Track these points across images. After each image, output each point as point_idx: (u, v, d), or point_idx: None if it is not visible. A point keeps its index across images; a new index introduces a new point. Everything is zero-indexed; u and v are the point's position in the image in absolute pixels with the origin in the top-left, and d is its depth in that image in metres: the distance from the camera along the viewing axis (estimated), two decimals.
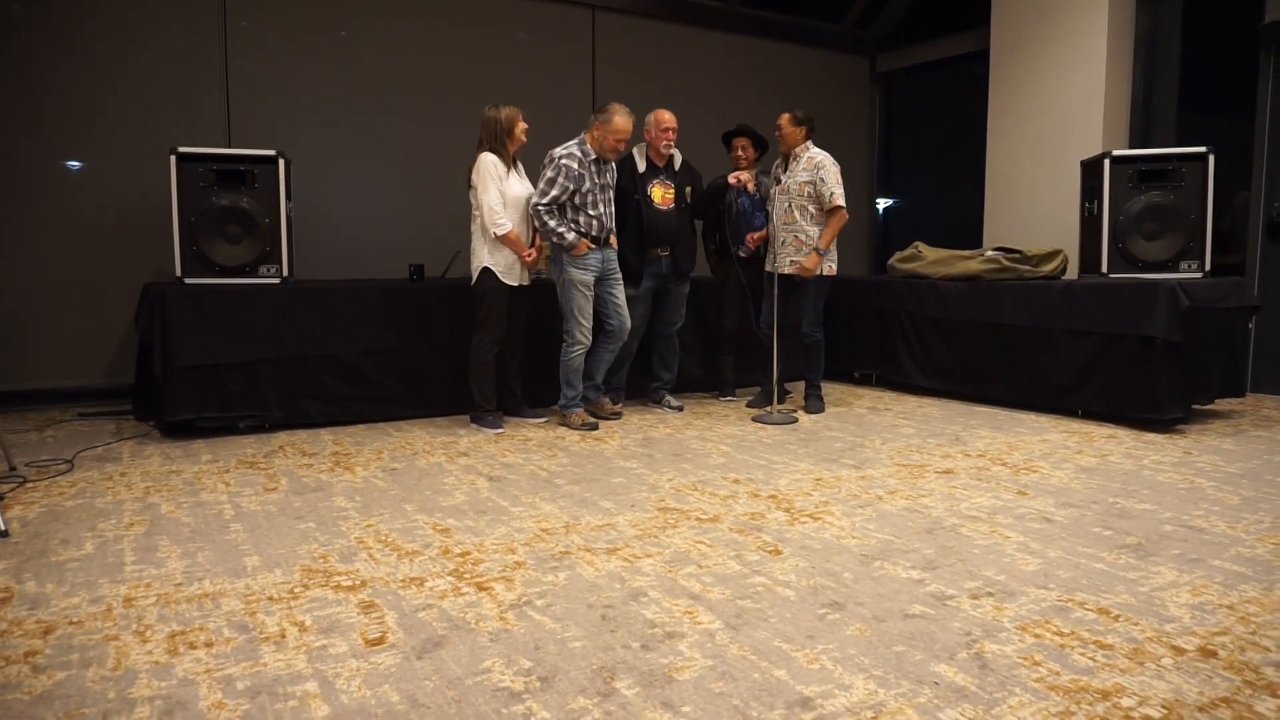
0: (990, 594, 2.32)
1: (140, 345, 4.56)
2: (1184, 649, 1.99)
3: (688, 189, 4.96)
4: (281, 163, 4.54)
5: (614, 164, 4.70)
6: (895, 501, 3.21)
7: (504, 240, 4.39)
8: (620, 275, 4.70)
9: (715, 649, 2.01)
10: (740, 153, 5.10)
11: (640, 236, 4.82)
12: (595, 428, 4.55)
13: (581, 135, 4.58)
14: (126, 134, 5.12)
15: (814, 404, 5.10)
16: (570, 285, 4.53)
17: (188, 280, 4.41)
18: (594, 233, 4.55)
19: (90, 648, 2.03)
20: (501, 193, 4.37)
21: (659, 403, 5.16)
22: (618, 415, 4.85)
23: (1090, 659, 1.94)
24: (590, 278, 4.56)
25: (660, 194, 4.87)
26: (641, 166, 4.87)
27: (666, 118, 4.81)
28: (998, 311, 5.14)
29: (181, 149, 4.41)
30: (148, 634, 2.10)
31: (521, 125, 4.43)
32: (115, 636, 2.09)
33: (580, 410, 4.65)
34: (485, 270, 4.43)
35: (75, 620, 2.18)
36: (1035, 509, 3.10)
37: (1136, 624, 2.13)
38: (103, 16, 5.04)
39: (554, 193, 4.43)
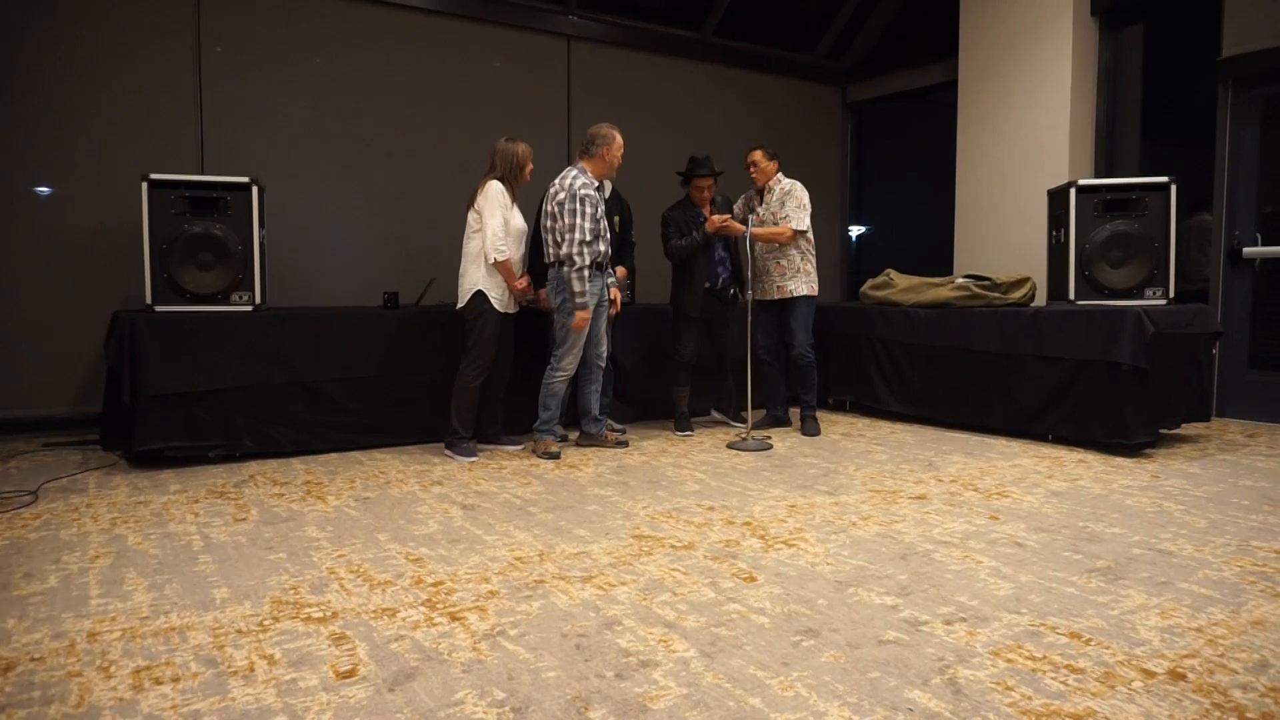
0: (963, 619, 2.33)
1: (109, 374, 4.50)
2: (1154, 672, 2.01)
3: (615, 218, 4.94)
4: (255, 189, 4.53)
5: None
6: (869, 527, 3.23)
7: (498, 267, 4.40)
8: (608, 304, 4.72)
9: (690, 677, 2.00)
10: (707, 193, 5.06)
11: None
12: (557, 456, 4.52)
13: (578, 165, 4.59)
14: (98, 160, 5.09)
15: (810, 426, 5.15)
16: (571, 314, 4.51)
17: (158, 308, 4.37)
18: (602, 259, 4.57)
19: (52, 685, 1.98)
20: (506, 220, 4.39)
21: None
22: (624, 443, 4.81)
23: (1062, 683, 1.96)
24: (591, 308, 4.53)
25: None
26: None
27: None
28: (969, 338, 5.21)
29: (154, 176, 4.39)
30: (112, 669, 2.06)
31: (530, 166, 4.52)
32: (78, 673, 2.04)
33: (549, 439, 4.62)
34: (479, 293, 4.43)
35: (37, 656, 2.13)
36: (1007, 534, 3.13)
37: (1107, 647, 2.15)
38: (75, 42, 5.02)
39: (589, 225, 4.40)
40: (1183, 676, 1.99)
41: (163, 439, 4.24)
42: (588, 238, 4.42)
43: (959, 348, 5.26)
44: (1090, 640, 2.19)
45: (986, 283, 5.36)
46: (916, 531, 3.17)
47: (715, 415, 5.51)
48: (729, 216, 5.04)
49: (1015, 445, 4.81)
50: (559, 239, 4.47)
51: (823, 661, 2.08)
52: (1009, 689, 1.93)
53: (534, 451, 4.59)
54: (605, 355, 4.74)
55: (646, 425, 5.47)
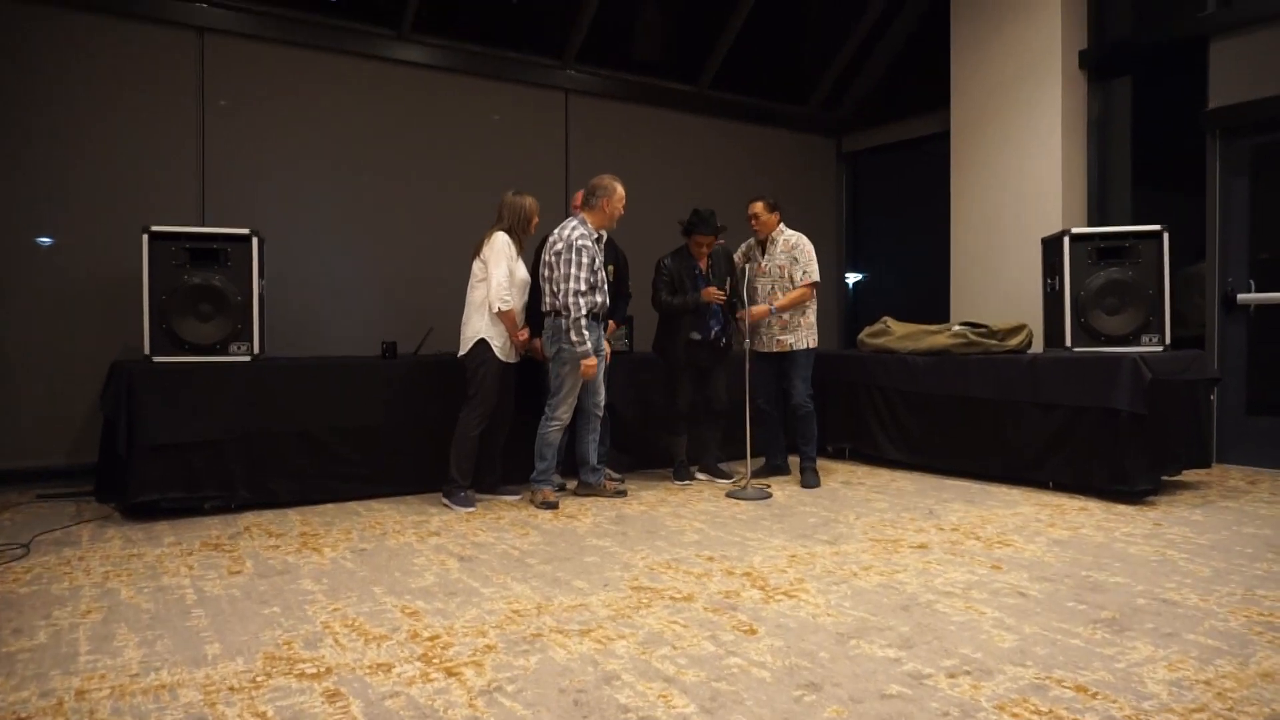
0: (968, 672, 2.30)
1: (105, 424, 4.48)
2: None
3: (610, 267, 4.92)
4: (255, 241, 4.56)
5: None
6: (870, 578, 3.19)
7: (502, 317, 4.43)
8: (605, 353, 4.73)
9: None
10: (705, 249, 5.04)
11: None
12: (555, 507, 4.49)
13: (578, 216, 4.64)
14: (99, 211, 5.13)
15: (810, 478, 5.10)
16: (566, 363, 4.52)
17: (156, 358, 4.37)
18: (598, 310, 4.59)
19: None
20: (511, 271, 4.43)
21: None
22: (623, 493, 4.77)
23: None
24: (594, 356, 4.53)
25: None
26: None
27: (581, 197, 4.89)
28: (966, 385, 5.21)
29: (154, 228, 4.42)
30: None
31: (536, 220, 4.60)
32: None
33: (547, 488, 4.59)
34: (481, 342, 4.45)
35: (23, 716, 2.09)
36: (1010, 583, 3.10)
37: (1114, 701, 2.11)
38: (79, 92, 5.10)
39: (584, 275, 4.43)
40: None
41: (158, 490, 4.21)
42: (583, 288, 4.44)
43: (957, 395, 5.26)
44: (1097, 694, 2.15)
45: (983, 330, 5.38)
46: (918, 581, 3.13)
47: (700, 477, 5.32)
48: (724, 293, 5.03)
49: (1016, 493, 4.78)
50: (555, 289, 4.50)
51: (825, 717, 2.04)
52: None
53: (531, 501, 4.56)
54: (603, 404, 4.73)
55: (644, 474, 5.43)
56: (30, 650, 2.52)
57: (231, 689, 2.24)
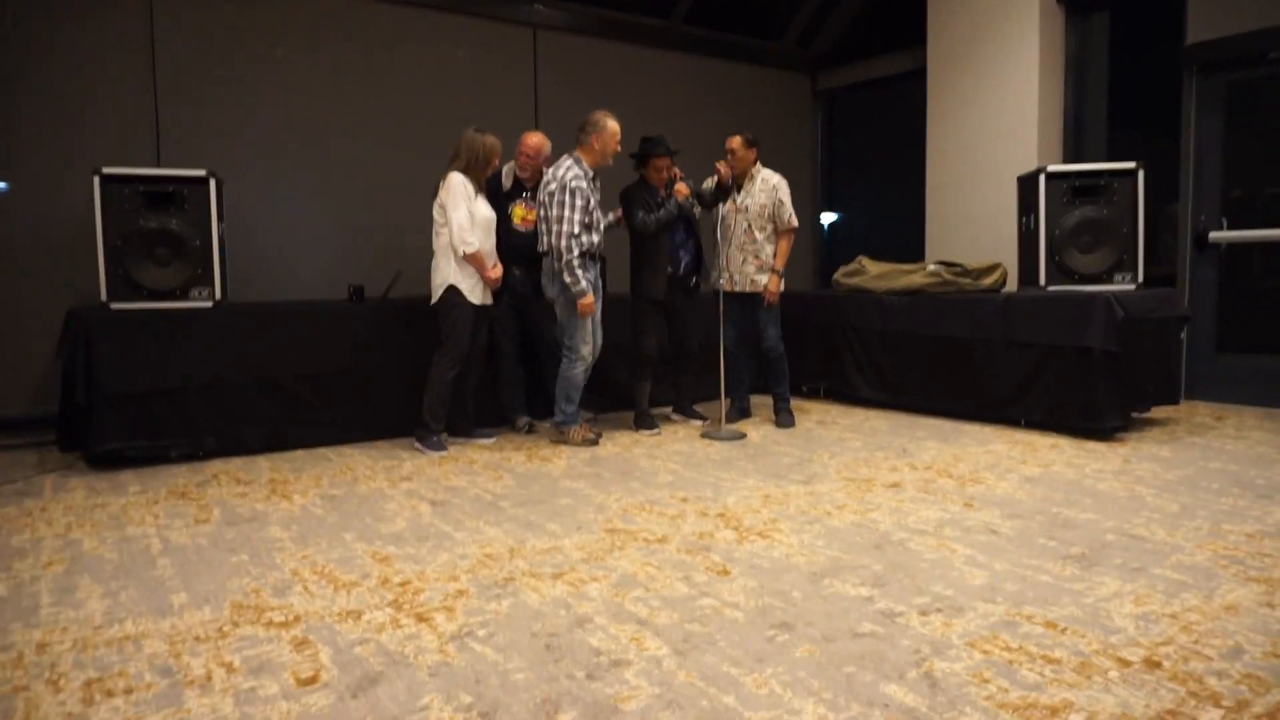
0: (939, 609, 2.31)
1: (64, 373, 4.36)
2: (1129, 661, 1.99)
3: None
4: (212, 183, 4.41)
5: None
6: (844, 517, 3.20)
7: (469, 259, 4.33)
8: (602, 294, 4.68)
9: (662, 676, 1.96)
10: (665, 174, 4.82)
11: (501, 256, 4.61)
12: (596, 442, 4.54)
13: (574, 154, 4.54)
14: (48, 154, 4.91)
15: (785, 418, 5.09)
16: (571, 302, 4.49)
17: (114, 305, 4.24)
18: (594, 249, 4.55)
19: None
20: (471, 212, 4.32)
21: (514, 425, 5.00)
22: (593, 442, 4.61)
23: (1039, 674, 1.93)
24: (591, 294, 4.49)
25: (521, 214, 4.82)
26: (507, 184, 4.84)
27: (526, 140, 4.79)
28: (941, 324, 5.20)
29: (106, 170, 4.25)
30: (61, 682, 1.98)
31: (496, 161, 4.45)
32: (25, 686, 1.96)
33: (578, 426, 4.60)
34: (451, 288, 4.36)
35: None
36: (982, 521, 3.12)
37: (1083, 636, 2.13)
38: (23, 29, 4.85)
39: (578, 217, 4.39)
40: (1158, 665, 1.97)
41: (121, 439, 4.13)
42: (576, 230, 4.40)
43: (931, 334, 5.26)
44: (1066, 629, 2.17)
45: (958, 269, 5.35)
46: (891, 520, 3.14)
47: (674, 417, 5.31)
48: (688, 188, 4.87)
49: (989, 431, 4.81)
50: (550, 230, 4.45)
51: (797, 657, 2.05)
52: (985, 681, 1.90)
53: (566, 442, 4.56)
54: (599, 345, 4.69)
55: (617, 416, 5.40)
56: None
57: (198, 639, 2.20)
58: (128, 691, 1.93)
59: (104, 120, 5.07)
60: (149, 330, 4.20)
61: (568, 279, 4.42)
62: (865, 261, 5.87)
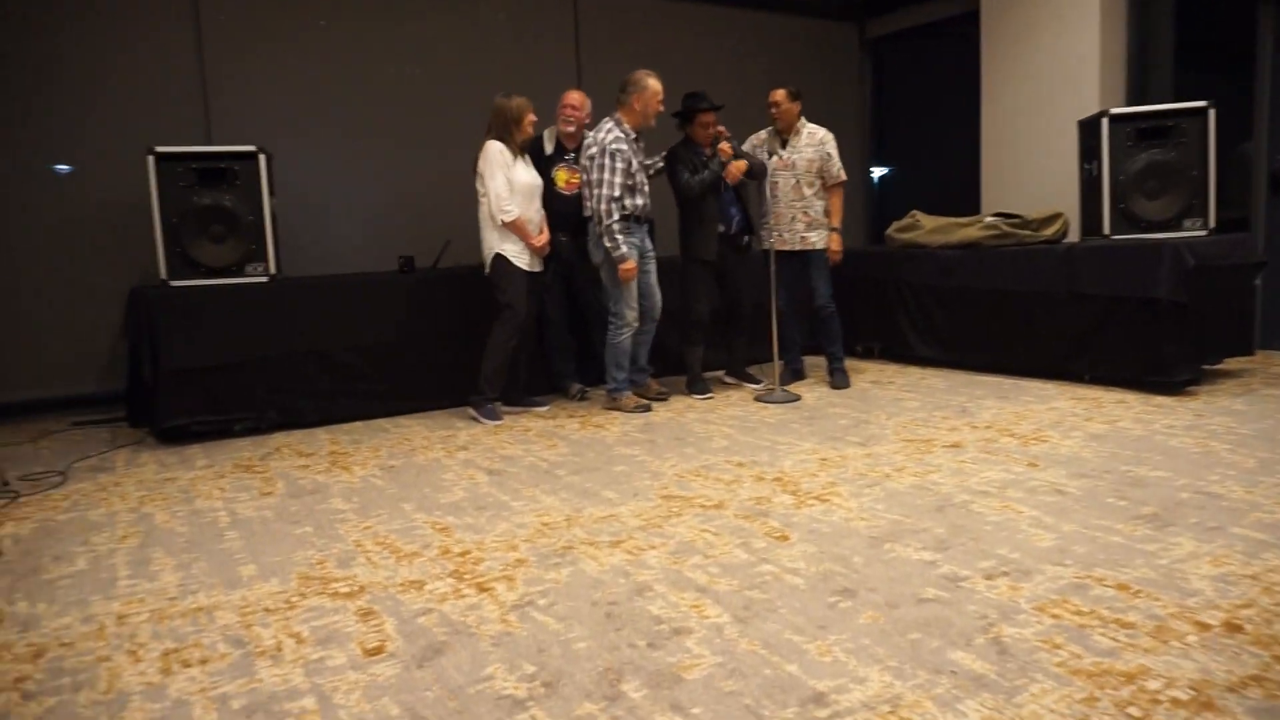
0: (1005, 573, 2.26)
1: (130, 351, 4.49)
2: (1208, 625, 1.93)
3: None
4: (262, 158, 4.45)
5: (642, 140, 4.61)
6: (903, 479, 3.15)
7: (510, 228, 4.31)
8: (653, 255, 4.66)
9: (724, 644, 1.95)
10: (711, 130, 4.70)
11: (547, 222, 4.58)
12: (649, 409, 4.53)
13: (614, 116, 4.48)
14: (105, 136, 5.01)
15: (839, 379, 5.01)
16: (614, 266, 4.46)
17: (174, 283, 4.32)
18: (639, 213, 4.51)
19: (82, 670, 1.97)
20: (509, 180, 4.29)
21: (567, 393, 4.99)
22: (664, 396, 4.78)
23: (1112, 639, 1.88)
24: (635, 257, 4.48)
25: (564, 178, 4.74)
26: (549, 149, 4.76)
27: (567, 96, 4.72)
28: (999, 278, 5.05)
29: (159, 149, 4.31)
30: (140, 653, 2.04)
31: (530, 117, 4.37)
32: (107, 657, 2.03)
33: (630, 393, 4.61)
34: (499, 256, 4.35)
35: (66, 641, 2.12)
36: (1047, 481, 3.04)
37: (1158, 599, 2.06)
38: (77, 13, 4.92)
39: (619, 180, 4.37)
40: (1239, 628, 1.91)
41: (187, 414, 4.24)
42: (616, 193, 4.37)
43: (989, 289, 5.11)
44: (1140, 592, 2.11)
45: (1016, 220, 5.18)
46: (953, 481, 3.08)
47: (727, 379, 5.26)
48: (731, 147, 4.71)
49: (1051, 387, 4.68)
50: (591, 194, 4.43)
51: (861, 623, 2.02)
52: (1057, 647, 1.86)
53: (619, 409, 4.56)
54: (658, 307, 4.69)
55: (670, 380, 5.37)
56: (71, 577, 2.56)
57: (267, 610, 2.26)
58: (203, 662, 1.98)
59: (155, 100, 5.15)
60: (208, 307, 4.28)
61: (608, 244, 4.39)
62: (919, 216, 5.72)
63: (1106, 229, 4.70)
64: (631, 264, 4.43)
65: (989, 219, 5.31)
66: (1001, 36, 6.47)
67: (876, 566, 2.35)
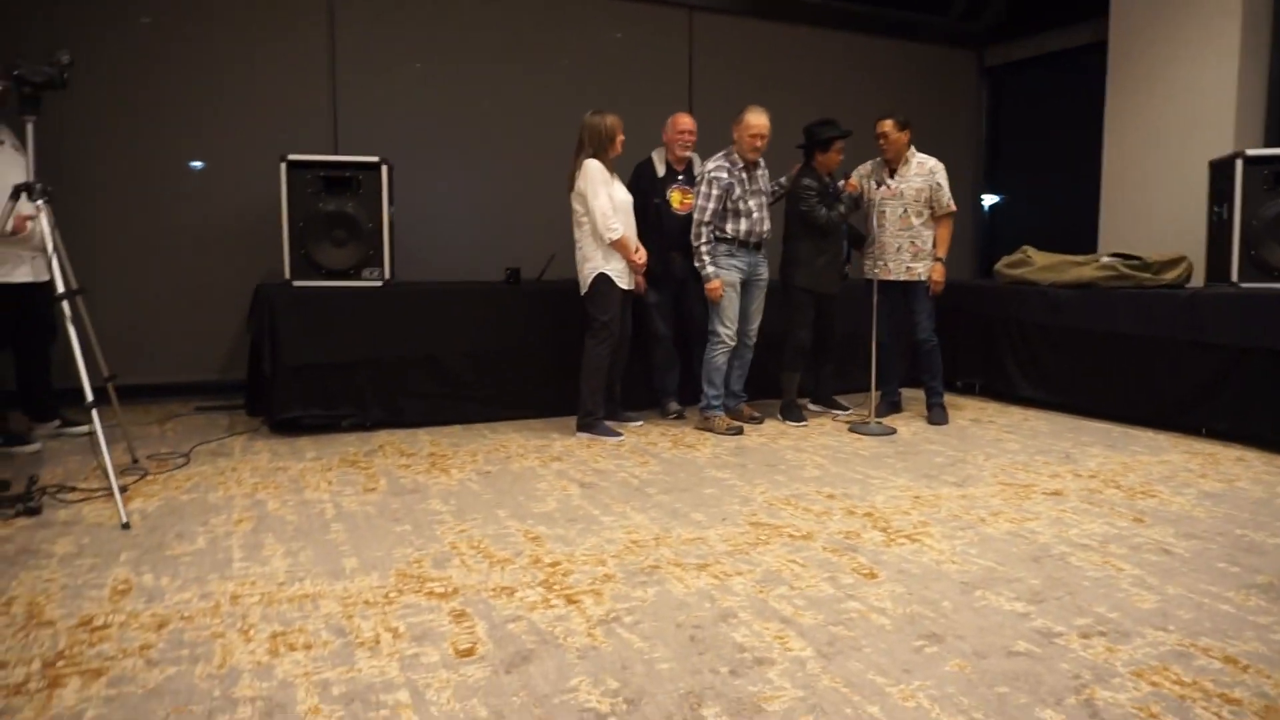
0: (1102, 633, 2.19)
1: (252, 344, 4.77)
2: None
3: (675, 193, 4.80)
4: (385, 169, 4.67)
5: (763, 168, 4.74)
6: (999, 524, 3.07)
7: (616, 245, 4.39)
8: (763, 281, 4.75)
9: (806, 679, 1.95)
10: (838, 156, 4.83)
11: (659, 241, 4.70)
12: (740, 431, 4.57)
13: (728, 148, 4.66)
14: (240, 141, 5.36)
15: (937, 414, 4.91)
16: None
17: (296, 283, 4.57)
18: (743, 237, 4.62)
19: (199, 644, 2.12)
20: (610, 197, 4.37)
21: (664, 410, 5.02)
22: (758, 420, 4.83)
23: (1215, 714, 1.80)
24: (737, 278, 4.62)
25: (679, 199, 4.80)
26: (661, 171, 4.82)
27: (683, 121, 4.79)
28: (1114, 321, 4.86)
29: (291, 156, 4.58)
30: (251, 633, 2.18)
31: (621, 137, 4.45)
32: (222, 634, 2.17)
33: (722, 414, 4.67)
34: (602, 276, 4.40)
35: (186, 615, 2.28)
36: (1153, 539, 2.92)
37: (1268, 677, 1.97)
38: (223, 28, 5.29)
39: (711, 205, 4.56)
40: None
41: (300, 408, 4.47)
42: (707, 218, 4.55)
43: (1103, 331, 4.92)
44: (1248, 667, 2.01)
45: (1136, 262, 4.98)
46: (1051, 531, 2.99)
47: (813, 407, 5.22)
48: (857, 183, 4.92)
49: (1163, 439, 4.48)
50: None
51: (947, 671, 1.99)
52: (1154, 716, 1.80)
53: (711, 429, 4.61)
54: (752, 333, 4.77)
55: (761, 404, 5.36)
56: (191, 555, 2.74)
57: (367, 603, 2.37)
58: (307, 647, 2.10)
59: (289, 110, 5.47)
60: (326, 307, 4.51)
61: (695, 264, 4.58)
62: (1031, 252, 5.55)
63: (1235, 276, 4.48)
64: (717, 284, 4.54)
65: (1106, 259, 5.12)
66: (1131, 68, 6.23)
67: (966, 613, 2.31)
